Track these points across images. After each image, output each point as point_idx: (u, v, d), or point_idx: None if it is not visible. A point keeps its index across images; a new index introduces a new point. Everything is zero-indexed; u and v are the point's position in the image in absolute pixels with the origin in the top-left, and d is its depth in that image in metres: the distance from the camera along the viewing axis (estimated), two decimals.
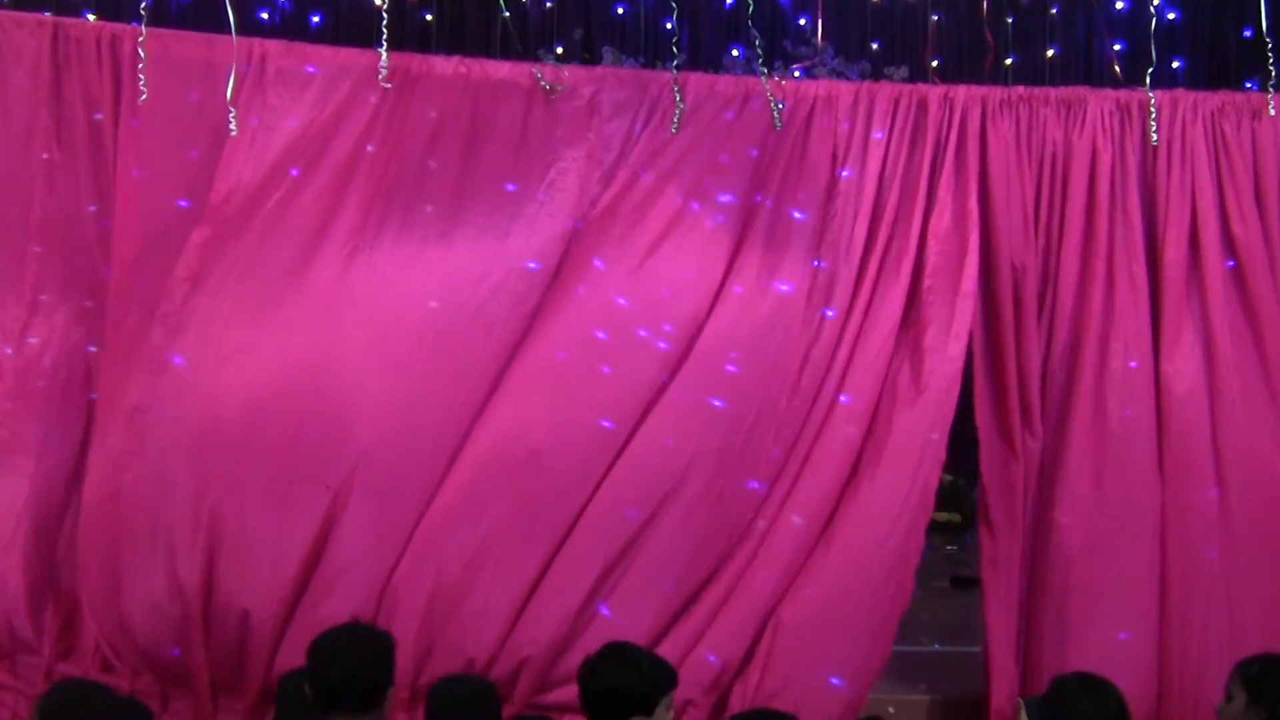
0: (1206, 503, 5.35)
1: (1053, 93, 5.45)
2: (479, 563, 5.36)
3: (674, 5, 5.68)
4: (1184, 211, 5.41)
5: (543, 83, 5.43)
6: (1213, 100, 5.45)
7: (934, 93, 5.51)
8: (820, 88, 5.51)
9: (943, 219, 5.46)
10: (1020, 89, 5.47)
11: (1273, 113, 5.40)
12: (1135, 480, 5.37)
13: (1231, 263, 5.43)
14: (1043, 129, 5.46)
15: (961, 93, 5.49)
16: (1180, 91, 5.44)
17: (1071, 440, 5.43)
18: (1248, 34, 6.06)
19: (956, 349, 5.42)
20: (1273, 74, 5.43)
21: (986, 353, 5.54)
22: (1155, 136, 5.42)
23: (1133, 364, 5.40)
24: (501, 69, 5.49)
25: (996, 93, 5.41)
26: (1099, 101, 5.47)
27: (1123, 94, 5.47)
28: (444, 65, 5.50)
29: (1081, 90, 5.49)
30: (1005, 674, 5.47)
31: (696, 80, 5.48)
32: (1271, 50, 5.40)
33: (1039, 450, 5.51)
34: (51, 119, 5.47)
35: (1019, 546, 5.52)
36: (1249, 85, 6.27)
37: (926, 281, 5.46)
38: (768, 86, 5.47)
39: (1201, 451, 5.37)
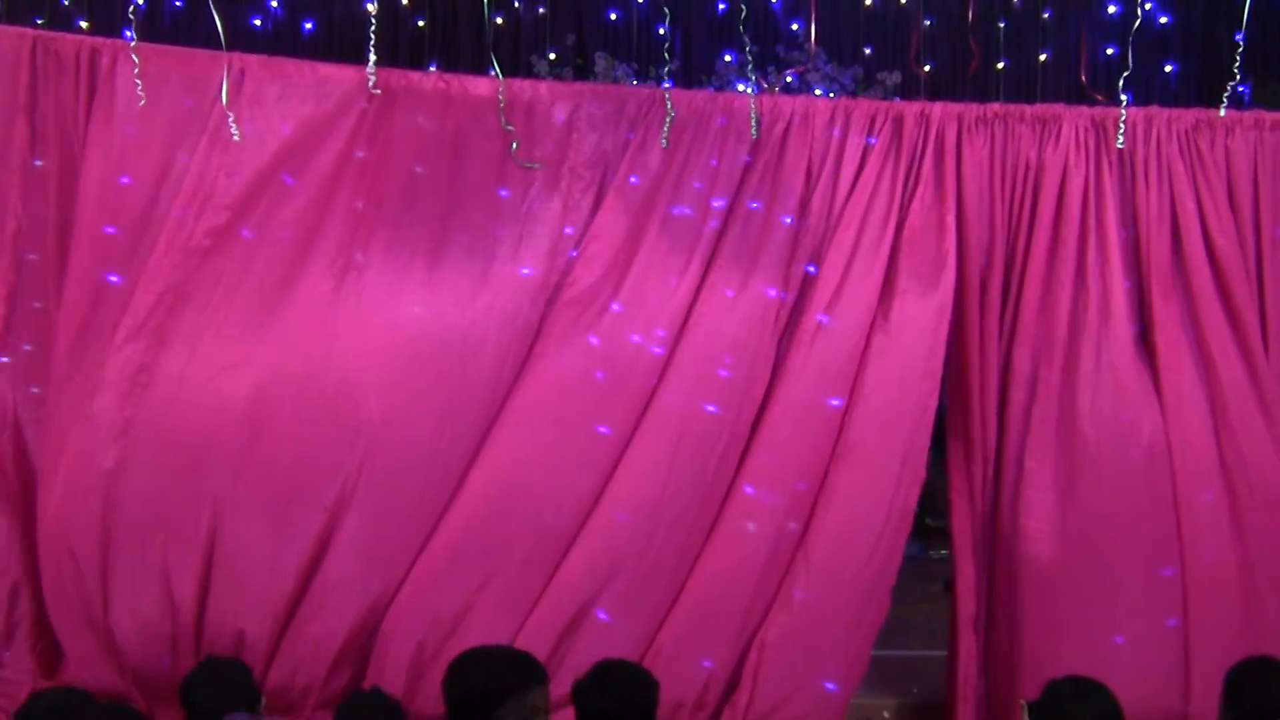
0: (1206, 505, 5.36)
1: (1028, 110, 5.50)
2: (483, 586, 5.37)
3: (667, 11, 5.69)
4: (1164, 225, 5.45)
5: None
6: (1187, 117, 5.50)
7: (910, 109, 5.54)
8: (798, 104, 5.55)
9: (919, 234, 5.49)
10: (996, 106, 5.52)
11: (1223, 113, 5.44)
12: (1112, 484, 5.37)
13: (1214, 274, 5.47)
14: (1017, 145, 5.50)
15: (938, 110, 5.52)
16: (1154, 108, 5.50)
17: (1031, 447, 5.45)
18: (1240, 38, 6.06)
19: (935, 364, 5.46)
20: (1235, 76, 5.46)
21: (952, 363, 5.57)
22: (1121, 140, 5.45)
23: (1105, 370, 5.42)
24: (481, 85, 5.51)
25: (972, 109, 5.46)
26: (1073, 119, 5.50)
27: (1097, 111, 5.52)
28: (424, 81, 5.52)
29: (1057, 107, 5.54)
30: (970, 680, 5.49)
31: (677, 96, 5.52)
32: (1240, 55, 5.43)
33: (995, 458, 5.53)
34: (29, 130, 5.49)
35: (980, 549, 5.54)
36: (1241, 90, 6.27)
37: (903, 292, 5.48)
38: (754, 105, 5.50)
39: (1199, 456, 5.38)
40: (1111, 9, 6.20)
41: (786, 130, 5.60)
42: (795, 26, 6.50)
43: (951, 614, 5.61)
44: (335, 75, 5.59)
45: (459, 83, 5.51)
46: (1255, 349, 5.46)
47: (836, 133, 5.58)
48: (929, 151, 5.51)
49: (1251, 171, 5.53)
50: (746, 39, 5.66)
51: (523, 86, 5.56)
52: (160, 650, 5.31)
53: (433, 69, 6.00)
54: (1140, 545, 5.39)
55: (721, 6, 6.30)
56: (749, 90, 5.64)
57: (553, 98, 5.60)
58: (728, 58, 6.66)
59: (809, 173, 5.56)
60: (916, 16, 6.12)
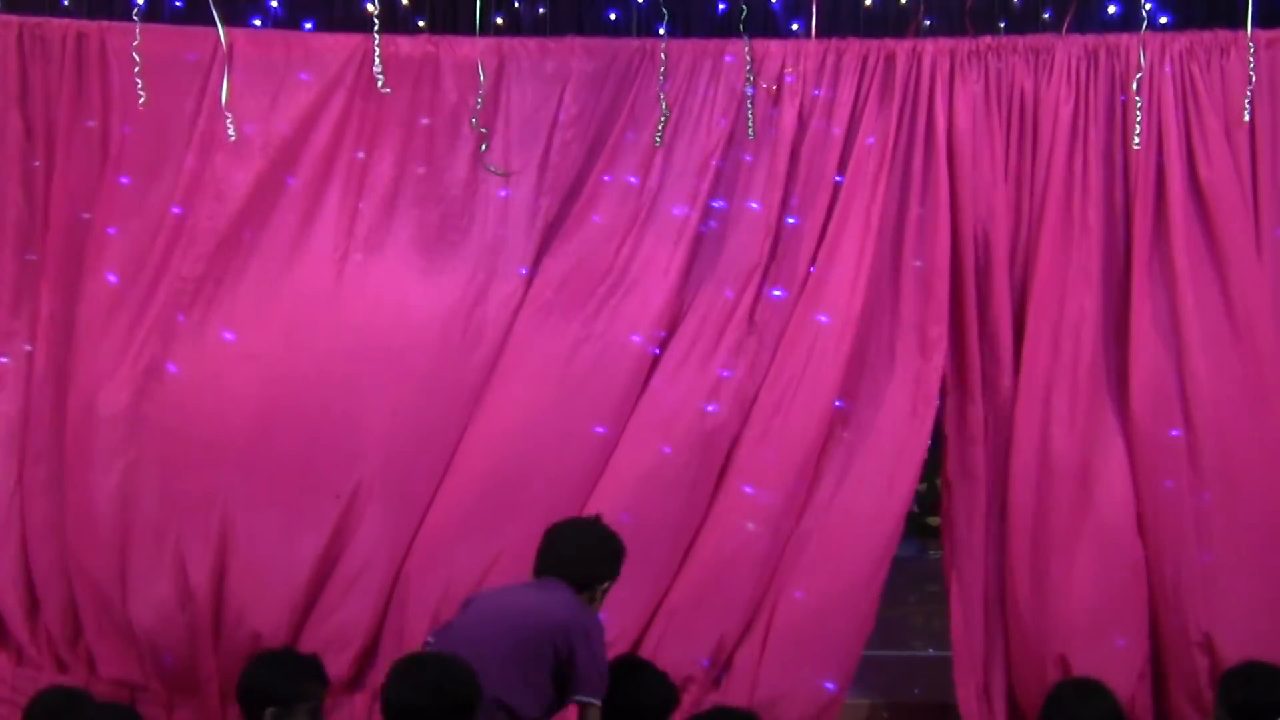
0: (1173, 441, 5.37)
1: (1020, 41, 5.51)
2: (493, 568, 5.40)
3: (664, 11, 5.71)
4: (1151, 156, 5.45)
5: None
6: (1180, 40, 5.48)
7: (902, 47, 5.57)
8: (789, 47, 5.58)
9: (914, 194, 5.50)
10: (988, 39, 5.52)
11: (1251, 49, 5.40)
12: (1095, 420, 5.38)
13: (1198, 207, 5.45)
14: (1011, 77, 5.50)
15: (930, 46, 5.54)
16: (1147, 34, 5.48)
17: (1023, 387, 5.47)
18: None
19: (938, 330, 5.47)
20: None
21: (952, 314, 5.56)
22: (1139, 135, 5.45)
23: (1086, 310, 5.44)
24: (470, 45, 5.52)
25: (965, 44, 5.47)
26: (1067, 47, 5.50)
27: (1090, 39, 5.52)
28: (411, 45, 5.55)
29: (1049, 38, 5.55)
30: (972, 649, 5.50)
31: (677, 47, 5.52)
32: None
33: (1003, 399, 5.53)
34: (22, 121, 5.50)
35: (982, 495, 5.53)
36: None
37: (902, 270, 5.50)
38: (748, 50, 5.67)
39: (1167, 393, 5.39)
40: (1112, 9, 6.19)
41: (778, 84, 5.61)
42: (796, 26, 6.49)
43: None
44: (336, 50, 5.62)
45: (447, 45, 5.56)
46: (1239, 291, 5.42)
47: (820, 91, 5.59)
48: (922, 94, 5.53)
49: (1246, 93, 5.50)
50: (747, 39, 5.67)
51: (513, 45, 5.60)
52: (178, 640, 5.36)
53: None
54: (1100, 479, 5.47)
55: (722, 7, 6.28)
56: (748, 91, 5.65)
57: (540, 54, 5.64)
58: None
59: (798, 128, 5.58)
60: (917, 16, 6.11)
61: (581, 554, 4.32)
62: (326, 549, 5.48)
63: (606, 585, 4.34)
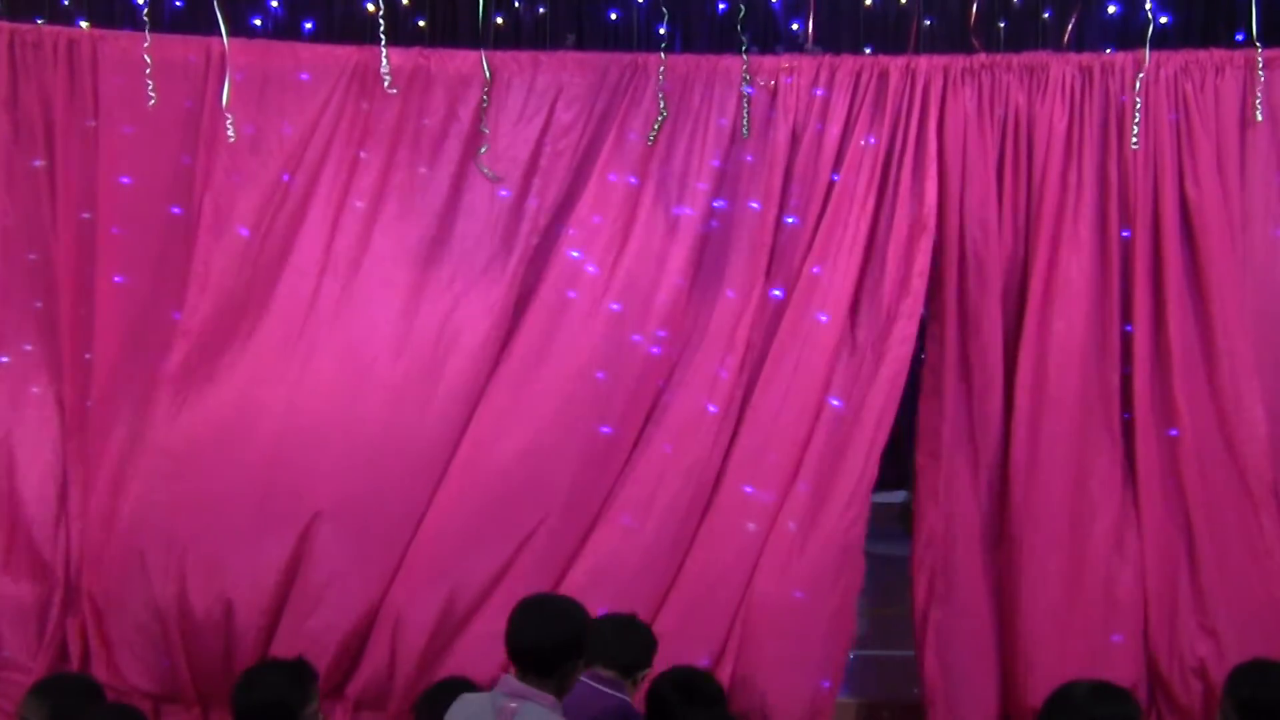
0: (1169, 442, 5.44)
1: (1015, 59, 5.50)
2: (501, 580, 5.40)
3: (665, 11, 5.71)
4: (1149, 173, 5.44)
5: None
6: (1176, 59, 5.47)
7: (896, 64, 5.57)
8: (783, 60, 5.58)
9: (914, 203, 5.50)
10: (982, 56, 5.52)
11: (1261, 72, 5.39)
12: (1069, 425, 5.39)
13: (1183, 226, 5.44)
14: (1005, 95, 5.49)
15: (924, 63, 5.53)
16: (1142, 51, 5.46)
17: (1017, 401, 5.48)
18: (1240, 38, 6.06)
19: (910, 330, 5.49)
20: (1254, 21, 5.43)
21: (946, 318, 5.57)
22: (1136, 139, 5.44)
23: (1076, 323, 5.44)
24: (462, 59, 5.53)
25: (959, 61, 5.46)
26: (1061, 65, 5.50)
27: (1085, 57, 5.51)
28: (403, 58, 5.55)
29: (1044, 55, 5.54)
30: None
31: (671, 61, 5.53)
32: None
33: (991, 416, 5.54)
34: (13, 125, 5.52)
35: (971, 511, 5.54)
36: None
37: (892, 268, 5.50)
38: (745, 64, 5.58)
39: (1161, 406, 5.40)
40: (1111, 9, 6.20)
41: (774, 92, 5.62)
42: (795, 26, 6.51)
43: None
44: (330, 60, 5.63)
45: (438, 58, 5.57)
46: (1219, 308, 5.43)
47: (820, 91, 5.60)
48: (915, 108, 5.53)
49: (1239, 112, 5.49)
50: (745, 39, 5.67)
51: (504, 59, 5.61)
52: (153, 649, 5.36)
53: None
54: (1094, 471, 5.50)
55: (721, 6, 6.30)
56: (745, 91, 5.65)
57: (530, 67, 5.64)
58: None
59: (794, 135, 5.59)
60: (916, 16, 6.11)
61: (625, 646, 4.34)
62: (293, 554, 5.45)
63: (645, 674, 4.35)
